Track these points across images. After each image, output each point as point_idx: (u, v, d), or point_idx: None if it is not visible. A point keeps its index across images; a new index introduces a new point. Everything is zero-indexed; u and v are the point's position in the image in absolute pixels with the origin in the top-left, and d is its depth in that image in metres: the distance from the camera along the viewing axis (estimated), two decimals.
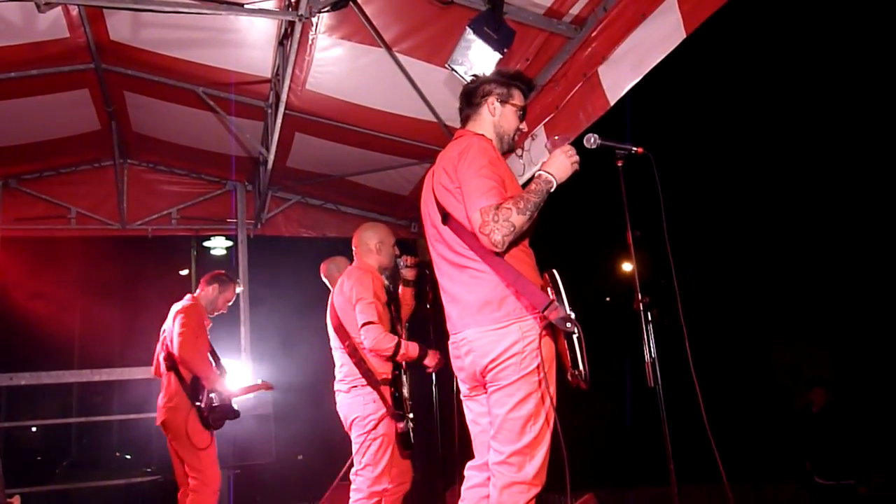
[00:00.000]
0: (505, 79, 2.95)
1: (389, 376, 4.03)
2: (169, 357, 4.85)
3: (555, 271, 2.64)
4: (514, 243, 2.61)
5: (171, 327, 4.88)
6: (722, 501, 5.32)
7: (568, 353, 2.55)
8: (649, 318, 2.67)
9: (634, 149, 2.83)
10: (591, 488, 4.87)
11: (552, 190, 2.60)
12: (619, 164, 2.84)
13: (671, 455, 2.59)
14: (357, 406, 4.00)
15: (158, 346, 5.02)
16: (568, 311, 2.53)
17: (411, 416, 4.11)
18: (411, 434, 4.06)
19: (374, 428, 3.95)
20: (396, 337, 3.98)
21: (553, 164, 2.65)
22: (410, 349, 4.00)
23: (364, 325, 3.92)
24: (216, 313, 5.21)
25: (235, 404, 5.00)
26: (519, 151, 5.03)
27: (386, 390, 3.98)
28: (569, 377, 2.58)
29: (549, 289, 2.61)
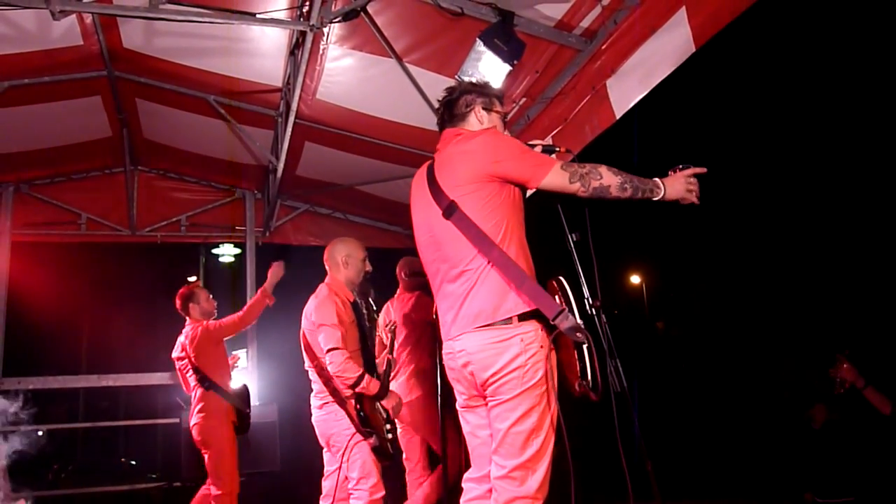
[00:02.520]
0: (482, 88, 2.96)
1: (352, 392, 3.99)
2: None
3: (562, 278, 2.60)
4: (516, 241, 2.59)
5: None
6: None
7: (577, 363, 2.50)
8: (604, 321, 2.65)
9: (556, 149, 2.85)
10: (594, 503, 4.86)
11: (655, 195, 2.61)
12: None
13: (650, 463, 2.57)
14: (332, 422, 4.00)
15: None
16: (578, 321, 2.48)
17: (388, 426, 4.08)
18: (388, 445, 4.04)
19: (355, 440, 3.95)
20: (361, 368, 3.93)
21: (671, 179, 2.66)
22: (371, 385, 3.92)
23: (329, 350, 3.89)
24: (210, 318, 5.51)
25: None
26: None
27: (351, 408, 3.95)
28: (577, 387, 2.54)
29: (557, 296, 2.56)
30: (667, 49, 3.77)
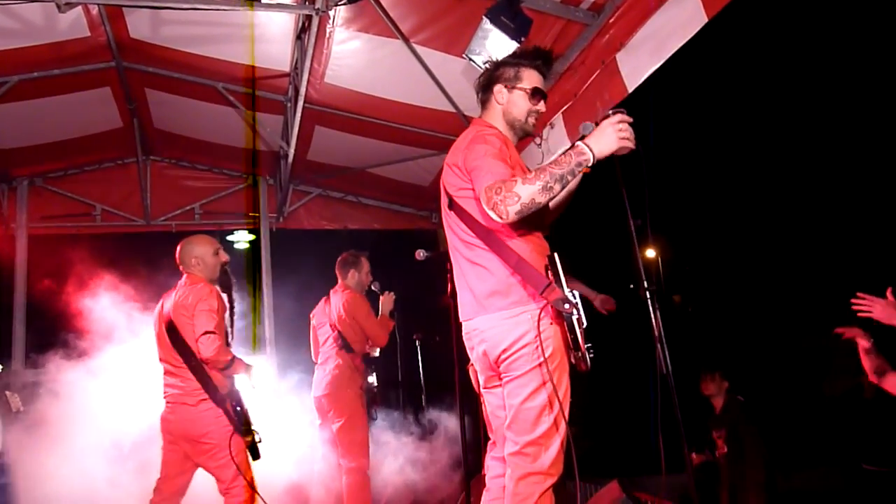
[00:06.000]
0: (515, 59, 2.86)
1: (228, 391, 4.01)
2: None
3: (554, 255, 2.60)
4: (526, 230, 2.60)
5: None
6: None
7: (568, 335, 2.52)
8: (656, 306, 2.63)
9: None
10: (615, 475, 4.87)
11: (584, 163, 2.45)
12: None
13: (685, 441, 2.58)
14: (207, 420, 3.93)
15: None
16: (566, 293, 2.49)
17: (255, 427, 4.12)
18: (257, 445, 4.06)
19: (233, 439, 3.95)
20: (231, 354, 3.98)
21: (597, 133, 2.49)
22: (240, 367, 4.03)
23: (204, 333, 3.84)
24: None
25: None
26: (538, 140, 5.01)
27: (229, 406, 3.96)
28: (570, 359, 2.56)
29: (549, 272, 2.56)
30: (677, 20, 3.72)
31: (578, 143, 2.48)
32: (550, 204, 2.78)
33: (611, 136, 2.47)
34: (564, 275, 2.56)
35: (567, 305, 2.46)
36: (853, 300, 3.30)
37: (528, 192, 2.36)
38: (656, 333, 2.60)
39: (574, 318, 2.48)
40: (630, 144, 2.50)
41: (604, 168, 2.62)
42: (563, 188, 2.44)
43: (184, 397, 3.96)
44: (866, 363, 3.72)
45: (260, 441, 4.07)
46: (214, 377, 3.95)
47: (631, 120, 2.53)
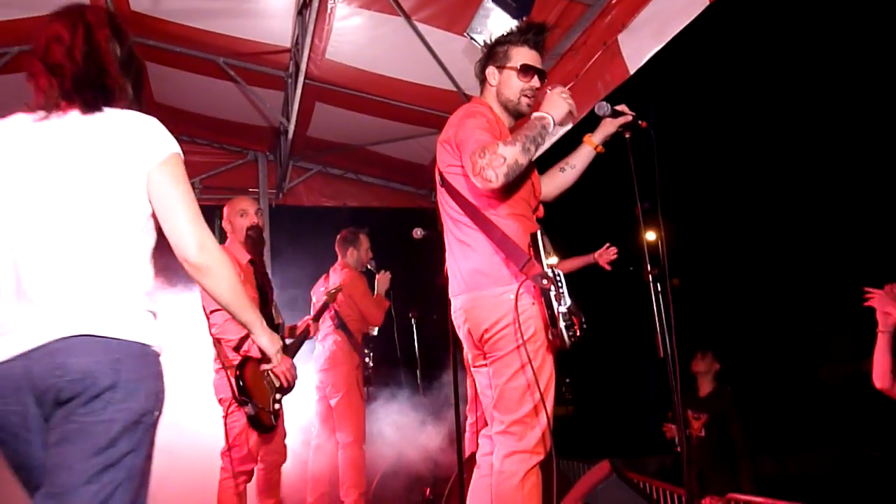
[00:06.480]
0: (504, 38, 2.89)
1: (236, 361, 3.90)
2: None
3: (537, 233, 2.62)
4: (513, 207, 2.63)
5: None
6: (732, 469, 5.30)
7: (546, 311, 2.53)
8: (658, 289, 2.64)
9: (639, 122, 2.81)
10: (607, 455, 4.91)
11: (548, 126, 2.59)
12: (627, 136, 2.82)
13: (682, 423, 2.60)
14: (221, 389, 3.94)
15: None
16: (545, 269, 2.52)
17: (277, 396, 3.99)
18: (269, 416, 3.94)
19: (232, 409, 3.90)
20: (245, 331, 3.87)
21: (547, 102, 2.68)
22: (253, 348, 3.76)
23: (211, 312, 3.81)
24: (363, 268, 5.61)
25: None
26: None
27: (232, 375, 3.83)
28: (549, 336, 2.57)
29: (531, 249, 2.60)
30: (680, 2, 3.72)
31: (539, 112, 2.64)
32: (555, 187, 3.00)
33: (561, 103, 2.66)
34: (548, 253, 2.58)
35: (545, 281, 2.48)
36: (866, 289, 3.26)
37: (511, 153, 2.45)
38: (656, 317, 2.62)
39: (552, 294, 2.50)
40: (575, 112, 2.71)
41: (613, 149, 2.81)
42: (537, 150, 2.55)
43: (214, 364, 4.05)
44: (883, 359, 3.27)
45: (272, 413, 3.98)
46: (221, 347, 3.96)
47: (569, 91, 2.74)
